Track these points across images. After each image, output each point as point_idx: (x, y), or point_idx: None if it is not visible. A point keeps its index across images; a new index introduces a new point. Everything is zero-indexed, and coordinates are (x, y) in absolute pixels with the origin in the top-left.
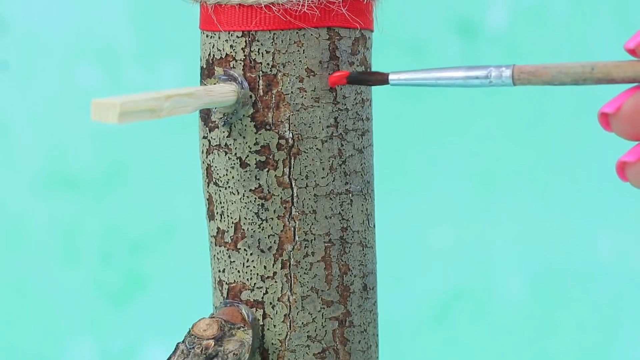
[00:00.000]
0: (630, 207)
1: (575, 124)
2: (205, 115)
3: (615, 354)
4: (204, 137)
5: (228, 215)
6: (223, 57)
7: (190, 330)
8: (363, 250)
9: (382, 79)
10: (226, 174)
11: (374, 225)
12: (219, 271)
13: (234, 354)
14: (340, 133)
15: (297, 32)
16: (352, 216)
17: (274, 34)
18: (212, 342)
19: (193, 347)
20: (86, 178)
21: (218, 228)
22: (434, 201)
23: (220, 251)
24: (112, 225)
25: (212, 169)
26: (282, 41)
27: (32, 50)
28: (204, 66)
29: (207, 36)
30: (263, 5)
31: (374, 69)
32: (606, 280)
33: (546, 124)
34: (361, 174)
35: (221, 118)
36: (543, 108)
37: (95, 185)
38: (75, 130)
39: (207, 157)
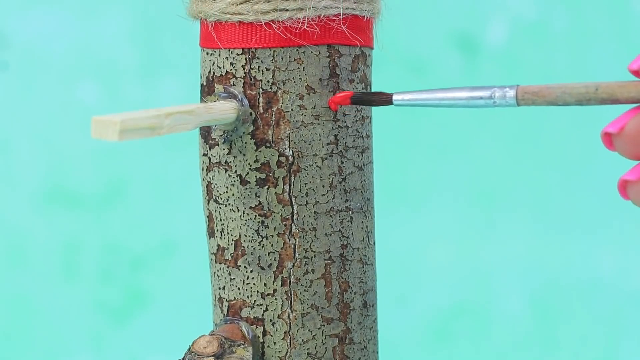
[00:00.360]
0: (630, 224)
1: (576, 142)
2: (206, 132)
3: None
4: (204, 155)
5: (228, 233)
6: (223, 74)
7: (190, 348)
8: (363, 267)
9: (386, 99)
10: (226, 192)
11: (374, 243)
12: (219, 288)
13: None
14: (340, 150)
15: (297, 50)
16: (352, 233)
17: (274, 51)
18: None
19: None
20: (86, 194)
21: (218, 245)
22: (434, 218)
23: (220, 268)
24: (112, 241)
25: (212, 186)
26: (282, 58)
27: (33, 67)
28: (204, 83)
29: (207, 53)
30: (263, 22)
31: (374, 86)
32: (606, 297)
33: (546, 141)
34: (361, 191)
35: (221, 135)
36: (543, 126)
37: (96, 201)
38: (75, 147)
39: (207, 175)
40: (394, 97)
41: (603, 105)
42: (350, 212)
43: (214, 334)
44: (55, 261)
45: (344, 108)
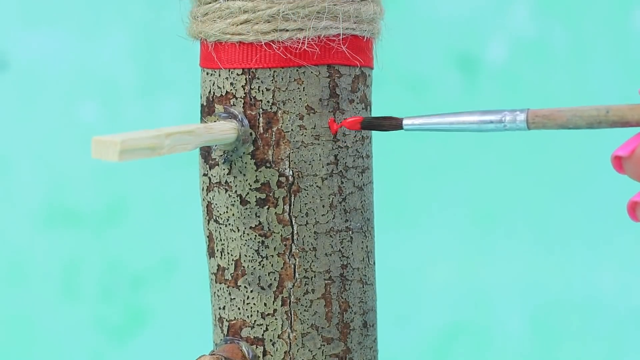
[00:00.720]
0: (630, 242)
1: (576, 161)
2: (206, 152)
3: None
4: (204, 175)
5: (228, 253)
6: (223, 94)
7: None
8: (363, 287)
9: (396, 124)
10: (226, 212)
11: (374, 263)
12: (219, 308)
13: None
14: (341, 170)
15: (297, 70)
16: (352, 253)
17: (274, 71)
18: None
19: None
20: (87, 213)
21: (218, 265)
22: (434, 237)
23: (220, 288)
24: (112, 260)
25: (213, 206)
26: (282, 79)
27: (34, 86)
28: (204, 103)
29: (207, 74)
30: (263, 43)
31: (374, 106)
32: (607, 316)
33: (546, 160)
34: (361, 211)
35: (221, 155)
36: (543, 145)
37: (96, 220)
38: (76, 165)
39: (207, 195)
40: (404, 122)
41: (613, 127)
42: (350, 232)
43: (214, 354)
44: (56, 280)
45: (344, 128)
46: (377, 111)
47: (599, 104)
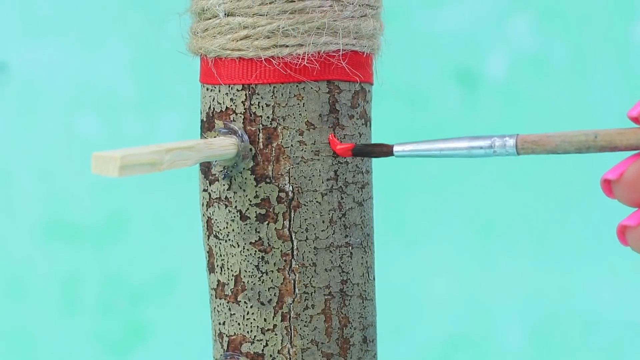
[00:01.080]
0: (629, 256)
1: (575, 175)
2: (206, 168)
3: None
4: (204, 190)
5: (228, 268)
6: (223, 110)
7: None
8: (363, 302)
9: (387, 150)
10: (226, 227)
11: (374, 278)
12: (219, 323)
13: None
14: (340, 186)
15: (297, 86)
16: (352, 269)
17: (274, 87)
18: None
19: None
20: (87, 227)
21: (218, 281)
22: (434, 251)
23: (220, 304)
24: (112, 275)
25: (213, 221)
26: (282, 94)
27: (33, 99)
28: (204, 119)
29: (207, 89)
30: (263, 58)
31: (374, 120)
32: (606, 329)
33: (545, 175)
34: (361, 227)
35: (221, 171)
36: (542, 160)
37: (96, 234)
38: (75, 179)
39: (207, 210)
40: (395, 149)
41: (602, 152)
42: (350, 248)
43: None
44: (56, 294)
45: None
46: (376, 127)
47: (599, 118)
